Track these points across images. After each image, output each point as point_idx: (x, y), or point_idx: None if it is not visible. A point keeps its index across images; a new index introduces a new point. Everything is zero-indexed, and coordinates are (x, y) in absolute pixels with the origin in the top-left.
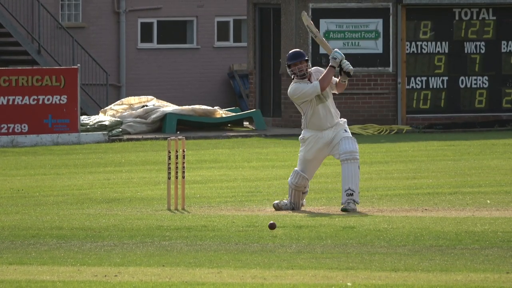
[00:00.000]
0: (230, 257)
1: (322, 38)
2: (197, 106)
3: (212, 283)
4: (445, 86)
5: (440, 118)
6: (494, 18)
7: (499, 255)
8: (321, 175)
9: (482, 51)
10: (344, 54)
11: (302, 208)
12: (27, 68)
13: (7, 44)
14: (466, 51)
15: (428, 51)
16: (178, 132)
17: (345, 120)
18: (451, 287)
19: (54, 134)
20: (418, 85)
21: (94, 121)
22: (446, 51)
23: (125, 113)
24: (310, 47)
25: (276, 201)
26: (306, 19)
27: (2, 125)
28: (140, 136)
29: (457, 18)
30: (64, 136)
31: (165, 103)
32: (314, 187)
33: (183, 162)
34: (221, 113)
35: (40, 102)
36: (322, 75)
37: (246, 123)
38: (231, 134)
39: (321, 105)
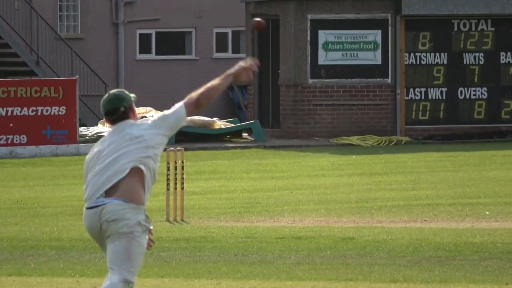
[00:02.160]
0: (229, 268)
1: None
2: (196, 117)
3: None
4: (444, 97)
5: (439, 129)
6: (493, 29)
7: (498, 266)
8: (320, 186)
9: (481, 62)
10: (342, 65)
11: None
12: (26, 79)
13: (6, 55)
14: (465, 62)
15: (427, 62)
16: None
17: None
18: None
19: (53, 145)
20: (417, 96)
21: (93, 132)
22: (445, 62)
23: None
24: (309, 58)
25: None
26: None
27: (1, 136)
28: None
29: (455, 29)
30: (63, 147)
31: None
32: (313, 198)
33: (182, 173)
34: (220, 124)
35: (39, 113)
36: None
37: (245, 134)
38: (230, 145)
39: None
